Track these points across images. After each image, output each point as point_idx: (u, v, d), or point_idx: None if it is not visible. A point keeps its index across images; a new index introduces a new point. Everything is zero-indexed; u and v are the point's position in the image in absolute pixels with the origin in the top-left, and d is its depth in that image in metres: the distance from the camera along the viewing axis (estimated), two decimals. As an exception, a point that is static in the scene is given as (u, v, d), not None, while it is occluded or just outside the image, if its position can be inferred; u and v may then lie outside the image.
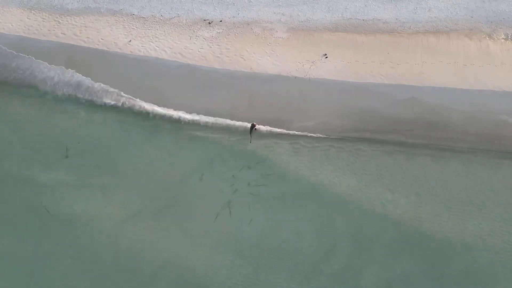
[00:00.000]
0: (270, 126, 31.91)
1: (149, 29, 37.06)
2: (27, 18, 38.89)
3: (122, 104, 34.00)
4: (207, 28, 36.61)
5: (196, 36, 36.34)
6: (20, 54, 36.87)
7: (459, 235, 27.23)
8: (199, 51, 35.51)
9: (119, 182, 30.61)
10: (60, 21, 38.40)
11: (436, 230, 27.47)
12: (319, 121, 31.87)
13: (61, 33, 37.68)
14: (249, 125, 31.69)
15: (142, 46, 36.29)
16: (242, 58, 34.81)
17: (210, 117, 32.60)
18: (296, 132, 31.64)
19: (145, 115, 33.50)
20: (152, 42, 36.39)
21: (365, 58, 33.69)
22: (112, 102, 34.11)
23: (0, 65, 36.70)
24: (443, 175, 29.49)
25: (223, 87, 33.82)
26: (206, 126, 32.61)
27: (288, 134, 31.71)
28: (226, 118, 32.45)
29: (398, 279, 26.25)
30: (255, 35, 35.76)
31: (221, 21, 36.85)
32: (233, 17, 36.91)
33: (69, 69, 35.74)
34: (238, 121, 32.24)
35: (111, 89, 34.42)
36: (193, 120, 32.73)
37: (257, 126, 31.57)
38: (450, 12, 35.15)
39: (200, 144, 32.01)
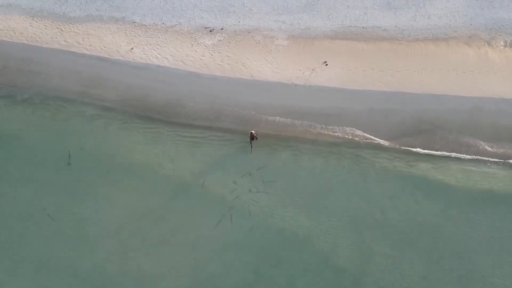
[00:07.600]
0: (271, 133, 32.16)
1: (151, 37, 37.30)
2: (30, 25, 39.21)
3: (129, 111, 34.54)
4: (209, 36, 36.83)
5: (198, 43, 36.57)
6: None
7: (459, 241, 27.45)
8: (200, 59, 35.77)
9: (121, 189, 30.84)
10: (63, 28, 38.64)
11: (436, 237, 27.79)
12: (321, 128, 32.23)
13: (64, 41, 38.00)
14: (249, 133, 31.75)
15: (144, 53, 36.60)
16: (243, 65, 35.02)
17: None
18: (297, 139, 31.88)
19: (148, 122, 33.91)
20: (154, 49, 36.67)
21: (365, 66, 33.83)
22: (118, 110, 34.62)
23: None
24: (443, 182, 29.70)
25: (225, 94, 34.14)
26: (207, 133, 32.94)
27: (290, 141, 31.91)
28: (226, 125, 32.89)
29: (397, 284, 26.42)
30: (256, 42, 35.98)
31: (222, 29, 37.08)
32: (234, 25, 37.12)
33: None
34: (239, 128, 32.53)
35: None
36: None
37: (256, 135, 31.65)
38: (449, 19, 35.23)
39: (201, 150, 32.21)
